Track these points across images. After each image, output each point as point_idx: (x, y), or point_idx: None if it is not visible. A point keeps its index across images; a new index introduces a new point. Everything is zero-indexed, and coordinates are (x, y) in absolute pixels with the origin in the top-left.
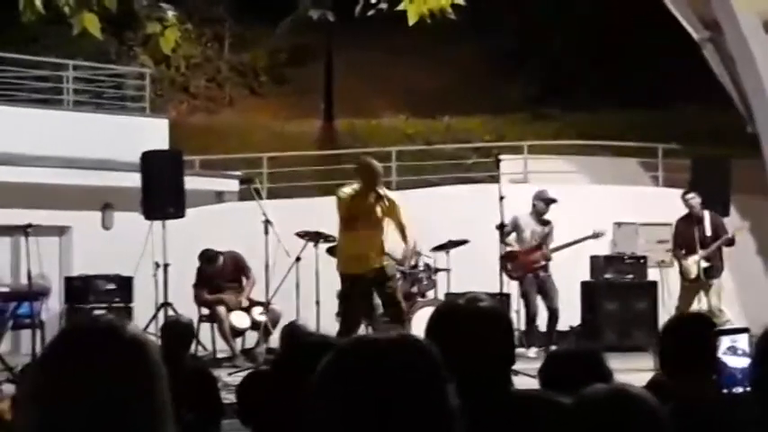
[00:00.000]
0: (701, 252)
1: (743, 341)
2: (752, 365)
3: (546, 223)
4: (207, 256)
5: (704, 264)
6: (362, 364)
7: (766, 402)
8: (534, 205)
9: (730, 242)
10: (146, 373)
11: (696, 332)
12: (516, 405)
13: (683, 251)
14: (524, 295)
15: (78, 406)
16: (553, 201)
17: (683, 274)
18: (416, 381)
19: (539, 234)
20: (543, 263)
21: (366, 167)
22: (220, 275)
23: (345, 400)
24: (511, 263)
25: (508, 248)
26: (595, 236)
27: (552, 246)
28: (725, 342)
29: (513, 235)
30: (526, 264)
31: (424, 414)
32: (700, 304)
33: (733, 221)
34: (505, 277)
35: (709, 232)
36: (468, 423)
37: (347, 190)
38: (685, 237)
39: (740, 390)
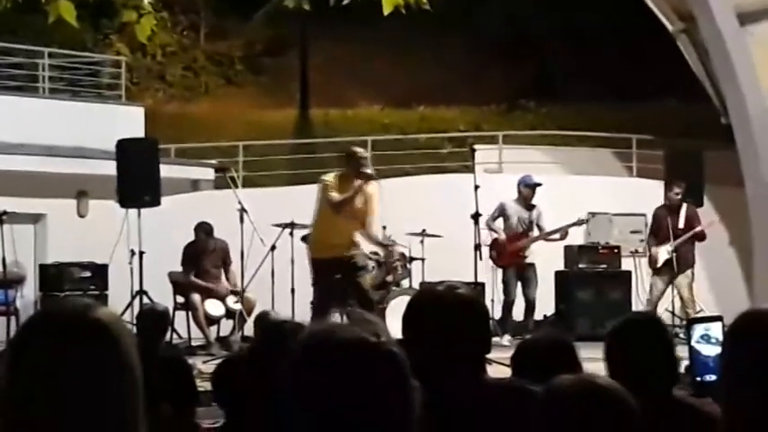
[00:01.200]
0: (671, 242)
1: (716, 329)
2: (721, 353)
3: (532, 208)
4: (205, 229)
5: (671, 254)
6: (324, 363)
7: (733, 390)
8: (520, 192)
9: (700, 237)
10: (116, 363)
11: (643, 336)
12: (490, 393)
13: (655, 240)
14: (505, 283)
15: (46, 399)
16: (538, 185)
17: (651, 262)
18: (381, 385)
19: (525, 220)
20: (527, 252)
21: (352, 155)
22: (209, 258)
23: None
24: (496, 251)
25: (494, 236)
26: (580, 222)
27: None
28: (698, 330)
29: (500, 221)
30: (512, 252)
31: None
32: (673, 295)
33: (706, 212)
34: (480, 266)
35: (682, 224)
36: (443, 410)
37: (331, 176)
38: (660, 226)
39: (713, 377)
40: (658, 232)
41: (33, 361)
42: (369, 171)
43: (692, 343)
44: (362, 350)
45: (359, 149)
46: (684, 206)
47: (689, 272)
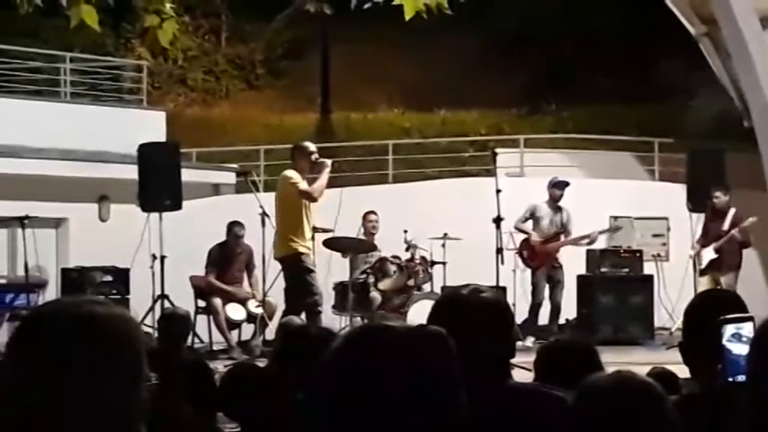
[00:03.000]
0: (713, 245)
1: (747, 328)
2: (749, 356)
3: (560, 209)
4: (237, 230)
5: (713, 255)
6: (379, 353)
7: (760, 394)
8: (550, 194)
9: (744, 242)
10: (116, 362)
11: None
12: (515, 398)
13: (703, 241)
14: (534, 285)
15: (45, 394)
16: (567, 183)
17: (696, 263)
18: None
19: (557, 222)
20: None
21: (301, 149)
22: (236, 261)
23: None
24: (528, 251)
25: (523, 237)
26: (614, 229)
27: (572, 236)
28: (729, 329)
29: (530, 223)
30: (545, 253)
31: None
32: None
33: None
34: (501, 270)
35: (726, 227)
36: (468, 414)
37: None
38: (705, 230)
39: (744, 378)
40: (705, 234)
41: (34, 357)
42: (322, 159)
43: (724, 342)
44: (418, 335)
45: (306, 143)
46: (732, 211)
47: (731, 274)
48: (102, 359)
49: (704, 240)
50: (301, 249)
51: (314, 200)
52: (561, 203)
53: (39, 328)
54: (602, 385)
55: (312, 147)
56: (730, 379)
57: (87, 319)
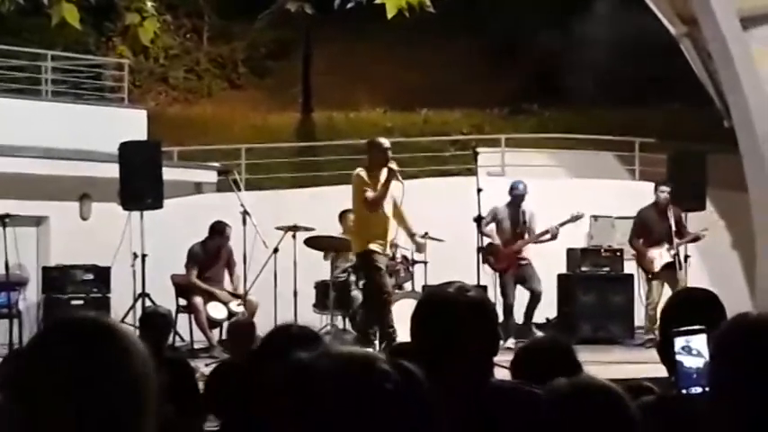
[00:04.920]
0: (667, 245)
1: (697, 341)
2: (711, 365)
3: (521, 210)
4: (217, 229)
5: (668, 258)
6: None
7: (725, 403)
8: (510, 197)
9: (695, 239)
10: (131, 378)
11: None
12: (497, 395)
13: (641, 241)
14: (502, 287)
15: (60, 403)
16: (521, 182)
17: (647, 264)
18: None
19: (518, 223)
20: (524, 253)
21: (374, 145)
22: (217, 260)
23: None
24: (493, 256)
25: (488, 240)
26: (574, 219)
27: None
28: (679, 342)
29: (493, 225)
30: (506, 256)
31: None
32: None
33: (709, 216)
34: (482, 269)
35: (672, 227)
36: (451, 411)
37: (362, 171)
38: (651, 228)
39: (699, 390)
40: (649, 234)
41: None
42: (394, 167)
43: (676, 356)
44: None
45: (381, 139)
46: (671, 208)
47: (683, 273)
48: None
49: (651, 240)
50: (372, 247)
51: (371, 210)
52: (536, 204)
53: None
54: (561, 391)
55: (386, 143)
56: (684, 391)
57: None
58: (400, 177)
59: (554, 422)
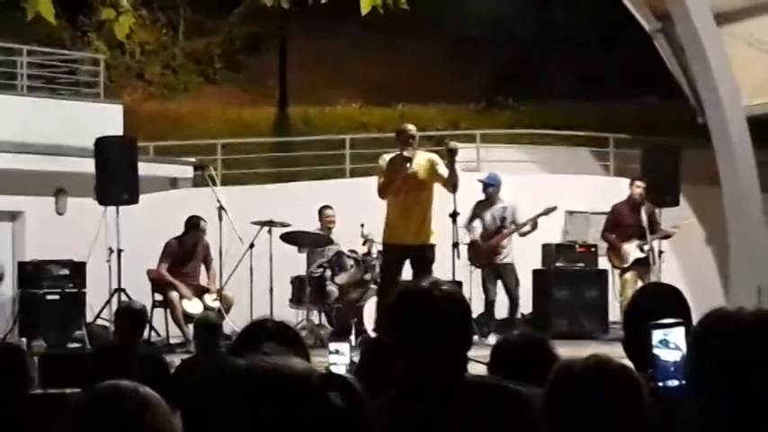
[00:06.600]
0: (638, 241)
1: (674, 335)
2: (688, 359)
3: (500, 204)
4: (193, 223)
5: (641, 253)
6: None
7: (702, 396)
8: (485, 194)
9: (667, 236)
10: None
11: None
12: (471, 391)
13: (614, 235)
14: (483, 283)
15: None
16: (494, 176)
17: (619, 259)
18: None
19: (498, 217)
20: (505, 251)
21: (396, 132)
22: (194, 255)
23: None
24: (473, 252)
25: (471, 237)
26: (548, 211)
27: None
28: (657, 335)
29: (477, 221)
30: (486, 251)
31: None
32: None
33: (683, 211)
34: (457, 265)
35: (644, 222)
36: (425, 405)
37: (386, 156)
38: (623, 223)
39: (675, 383)
40: (622, 229)
41: None
42: (407, 154)
43: (652, 347)
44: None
45: (408, 125)
46: (645, 203)
47: (655, 268)
48: None
49: (622, 236)
50: (389, 241)
51: (381, 196)
52: (512, 200)
53: None
54: (576, 370)
55: (407, 129)
56: (660, 384)
57: None
58: (411, 164)
59: (565, 399)
